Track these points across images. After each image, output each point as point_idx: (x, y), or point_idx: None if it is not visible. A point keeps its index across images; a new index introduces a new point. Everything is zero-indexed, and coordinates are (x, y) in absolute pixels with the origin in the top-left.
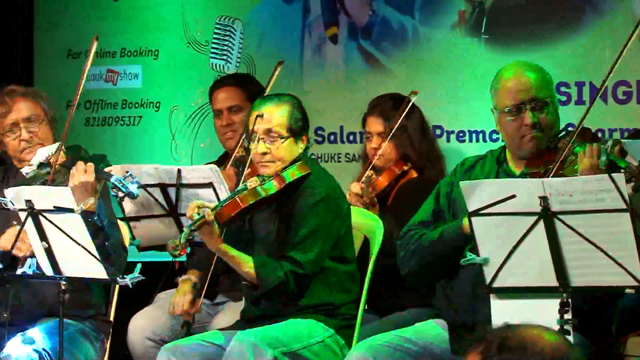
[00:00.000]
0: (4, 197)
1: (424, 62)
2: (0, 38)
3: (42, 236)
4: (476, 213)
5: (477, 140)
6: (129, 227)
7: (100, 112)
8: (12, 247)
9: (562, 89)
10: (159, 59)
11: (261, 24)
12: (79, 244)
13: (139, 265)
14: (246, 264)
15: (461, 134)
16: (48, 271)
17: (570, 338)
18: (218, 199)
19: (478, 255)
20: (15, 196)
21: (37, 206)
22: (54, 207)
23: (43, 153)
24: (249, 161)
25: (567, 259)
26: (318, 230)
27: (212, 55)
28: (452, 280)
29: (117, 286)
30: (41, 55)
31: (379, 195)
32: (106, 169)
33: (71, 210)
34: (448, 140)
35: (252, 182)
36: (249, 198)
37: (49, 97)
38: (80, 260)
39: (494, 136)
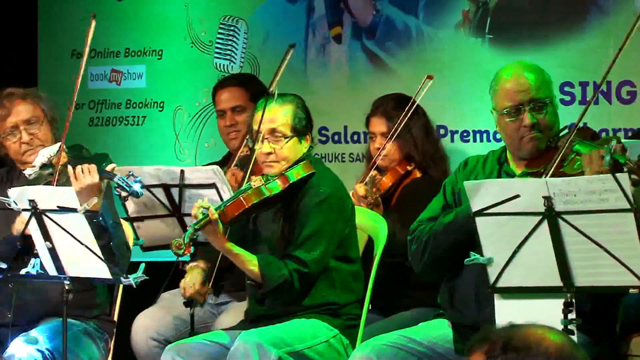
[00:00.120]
0: (7, 197)
1: (428, 62)
2: (4, 39)
3: (46, 236)
4: (480, 213)
5: (481, 140)
6: (133, 227)
7: (104, 112)
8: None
9: (566, 88)
10: (163, 59)
11: (265, 23)
12: (83, 244)
13: (142, 265)
14: (250, 262)
15: (465, 134)
16: (52, 271)
17: (574, 338)
18: (221, 199)
19: (482, 255)
20: (19, 196)
21: (41, 206)
22: (58, 207)
23: (45, 154)
24: (252, 161)
25: (571, 259)
26: (322, 230)
27: (216, 55)
28: (455, 280)
29: (121, 286)
30: (45, 56)
31: (383, 195)
32: (108, 168)
33: (75, 210)
34: (452, 140)
35: (257, 182)
36: (253, 197)
37: (49, 97)
38: (84, 260)
39: (498, 136)
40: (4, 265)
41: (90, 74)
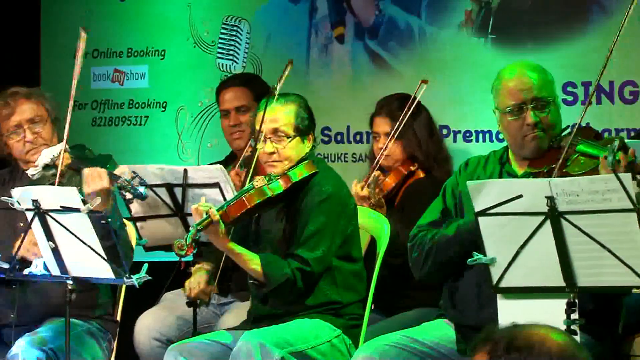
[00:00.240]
0: (10, 197)
1: (431, 61)
2: (7, 39)
3: (49, 236)
4: (483, 213)
5: (484, 141)
6: (136, 227)
7: (107, 112)
8: (17, 250)
9: (569, 89)
10: (165, 59)
11: (268, 24)
12: (86, 244)
13: (145, 265)
14: (252, 262)
15: (468, 134)
16: (55, 271)
17: (577, 338)
18: (224, 198)
19: (485, 255)
20: (22, 196)
21: (44, 206)
22: (61, 207)
23: (47, 154)
24: (255, 160)
25: (573, 259)
26: (324, 229)
27: (219, 55)
28: (457, 280)
29: (124, 286)
30: (47, 56)
31: (386, 196)
32: (117, 171)
33: (78, 210)
34: (455, 140)
35: (259, 182)
36: (255, 198)
37: (52, 97)
38: (87, 260)
39: (501, 136)
40: (6, 265)
41: (92, 74)
